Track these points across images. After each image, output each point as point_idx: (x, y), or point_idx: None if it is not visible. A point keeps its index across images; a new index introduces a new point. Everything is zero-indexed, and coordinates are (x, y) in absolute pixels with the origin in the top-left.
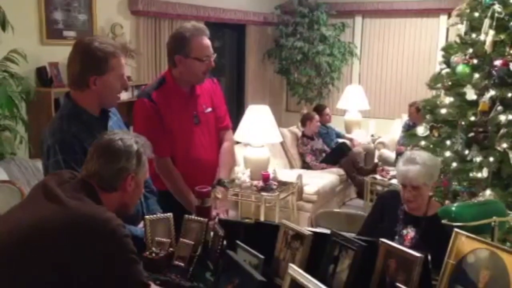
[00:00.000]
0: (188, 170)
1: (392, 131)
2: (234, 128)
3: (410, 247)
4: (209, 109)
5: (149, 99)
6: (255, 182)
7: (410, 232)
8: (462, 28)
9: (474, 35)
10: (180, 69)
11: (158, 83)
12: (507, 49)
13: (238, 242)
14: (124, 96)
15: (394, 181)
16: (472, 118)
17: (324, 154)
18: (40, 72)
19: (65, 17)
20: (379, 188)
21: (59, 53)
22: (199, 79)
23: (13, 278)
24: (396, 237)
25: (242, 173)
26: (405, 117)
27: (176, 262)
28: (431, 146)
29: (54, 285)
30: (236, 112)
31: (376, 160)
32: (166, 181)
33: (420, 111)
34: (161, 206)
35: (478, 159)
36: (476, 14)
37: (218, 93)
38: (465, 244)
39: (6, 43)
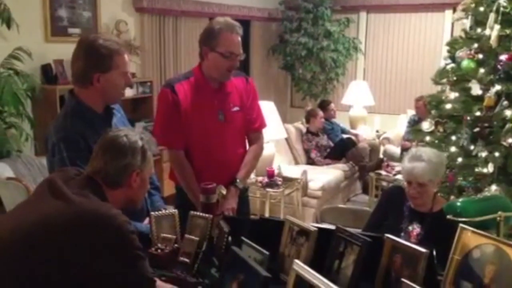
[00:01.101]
0: (206, 166)
1: (397, 126)
2: None
3: (416, 244)
4: (236, 108)
5: (171, 90)
6: (260, 178)
7: (415, 229)
8: (467, 22)
9: (479, 30)
10: (206, 63)
11: (185, 75)
12: None
13: (243, 238)
14: (129, 93)
15: (399, 176)
16: (478, 113)
17: (329, 150)
18: (45, 69)
19: (69, 14)
20: (384, 183)
21: (64, 50)
22: (223, 76)
23: (17, 275)
24: (402, 233)
25: None
26: (410, 113)
27: (182, 258)
28: (436, 141)
29: (58, 282)
30: None
31: (381, 156)
32: (177, 174)
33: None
34: (178, 201)
35: (484, 154)
36: (481, 9)
37: (251, 94)
38: (470, 239)
39: (11, 41)
